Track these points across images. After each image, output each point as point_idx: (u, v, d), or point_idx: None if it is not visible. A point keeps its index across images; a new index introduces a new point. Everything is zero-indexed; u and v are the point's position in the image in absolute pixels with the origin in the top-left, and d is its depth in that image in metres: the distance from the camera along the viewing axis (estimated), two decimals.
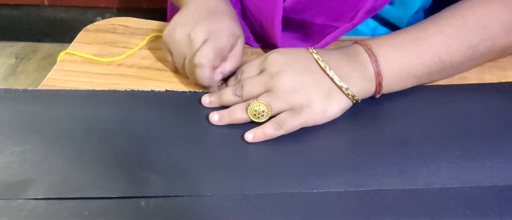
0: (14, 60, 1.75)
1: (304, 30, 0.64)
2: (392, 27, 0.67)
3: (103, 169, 0.44)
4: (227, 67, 0.53)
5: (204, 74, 0.51)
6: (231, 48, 0.54)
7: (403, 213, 0.40)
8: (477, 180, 0.43)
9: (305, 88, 0.48)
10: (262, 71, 0.50)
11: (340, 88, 0.48)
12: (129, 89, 0.54)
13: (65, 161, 0.45)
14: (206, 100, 0.52)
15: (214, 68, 0.52)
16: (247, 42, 0.64)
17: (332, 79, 0.48)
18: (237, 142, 0.48)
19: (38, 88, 0.56)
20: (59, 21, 1.79)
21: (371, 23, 0.67)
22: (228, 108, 0.50)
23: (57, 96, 0.54)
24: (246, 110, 0.48)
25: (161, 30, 0.66)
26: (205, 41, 0.51)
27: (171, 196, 0.42)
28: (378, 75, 0.49)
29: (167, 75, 0.58)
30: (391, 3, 0.62)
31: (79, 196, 0.41)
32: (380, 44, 0.51)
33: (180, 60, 0.54)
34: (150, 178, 0.43)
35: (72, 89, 0.55)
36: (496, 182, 0.42)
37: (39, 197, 0.41)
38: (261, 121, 0.48)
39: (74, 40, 0.65)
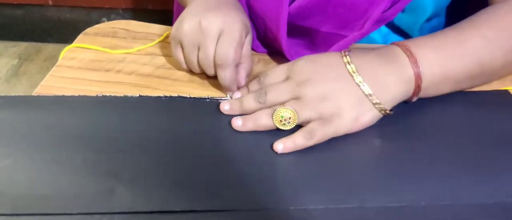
0: (17, 60, 1.73)
1: (309, 38, 0.62)
2: (404, 34, 0.65)
3: (69, 181, 0.42)
4: (241, 70, 0.52)
5: (227, 74, 0.50)
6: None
7: None
8: (466, 197, 0.41)
9: (334, 96, 0.46)
10: (287, 78, 0.48)
11: (369, 99, 0.46)
12: (100, 95, 0.52)
13: (30, 172, 0.43)
14: (225, 106, 0.50)
15: (236, 66, 0.51)
16: (253, 48, 0.61)
17: (362, 90, 0.46)
18: (213, 154, 0.45)
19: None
20: (63, 22, 1.79)
21: (383, 29, 0.65)
22: (252, 114, 0.48)
23: (25, 102, 0.51)
24: (272, 116, 0.46)
25: (164, 34, 0.64)
26: (221, 35, 0.50)
27: (137, 212, 0.39)
28: (418, 77, 0.47)
29: (167, 83, 0.55)
30: (402, 10, 0.60)
31: (40, 213, 0.39)
32: (419, 45, 0.48)
33: (192, 52, 0.52)
34: (115, 192, 0.41)
35: (41, 95, 0.52)
36: (484, 200, 0.41)
37: (7, 213, 0.39)
38: (286, 128, 0.47)
39: (70, 45, 0.62)
